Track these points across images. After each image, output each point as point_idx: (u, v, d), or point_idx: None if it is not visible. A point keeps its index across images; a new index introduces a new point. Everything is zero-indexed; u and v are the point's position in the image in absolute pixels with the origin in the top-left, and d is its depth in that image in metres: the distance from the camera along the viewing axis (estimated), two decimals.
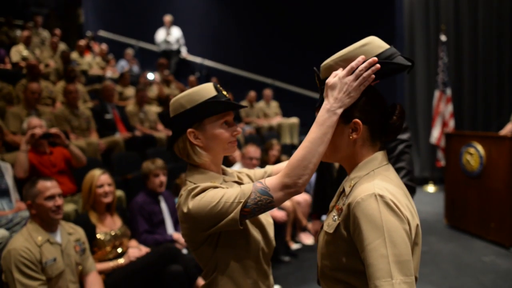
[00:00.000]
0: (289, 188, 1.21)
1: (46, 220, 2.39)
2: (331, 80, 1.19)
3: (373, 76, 1.15)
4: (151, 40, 10.10)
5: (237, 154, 4.57)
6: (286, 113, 8.24)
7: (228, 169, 1.56)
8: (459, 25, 7.26)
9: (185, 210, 1.29)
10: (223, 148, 1.42)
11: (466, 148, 4.86)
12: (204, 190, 1.29)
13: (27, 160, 3.35)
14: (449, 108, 6.63)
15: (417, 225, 1.14)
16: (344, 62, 1.19)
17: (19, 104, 4.81)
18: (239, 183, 1.49)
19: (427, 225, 5.19)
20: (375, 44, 1.19)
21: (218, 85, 1.43)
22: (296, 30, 8.83)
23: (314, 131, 1.19)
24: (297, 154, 1.20)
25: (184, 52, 9.94)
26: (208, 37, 10.15)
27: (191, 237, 1.36)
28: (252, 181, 1.59)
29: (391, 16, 7.90)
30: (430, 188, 7.11)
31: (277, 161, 4.82)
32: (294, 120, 7.74)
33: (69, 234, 2.52)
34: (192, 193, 1.29)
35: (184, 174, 1.47)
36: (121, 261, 2.87)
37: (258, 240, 1.41)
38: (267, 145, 4.84)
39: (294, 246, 4.56)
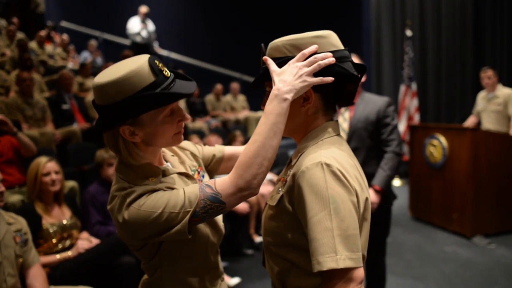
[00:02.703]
0: (243, 191, 1.05)
1: None
2: (277, 68, 1.07)
3: (331, 78, 1.04)
4: (116, 32, 9.80)
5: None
6: (253, 107, 8.15)
7: (168, 152, 1.34)
8: (424, 20, 7.35)
9: (120, 219, 1.08)
10: (166, 142, 1.17)
11: (429, 140, 4.88)
12: (141, 195, 1.08)
13: None
14: (414, 102, 6.70)
15: (366, 198, 1.05)
16: (292, 47, 1.09)
17: None
18: (184, 174, 1.27)
19: (392, 217, 5.16)
20: (330, 40, 1.09)
21: (157, 61, 1.11)
22: (264, 23, 8.74)
23: (263, 122, 1.05)
24: (248, 150, 1.05)
25: (156, 47, 9.54)
26: (175, 30, 9.94)
27: (130, 242, 1.19)
28: (198, 162, 1.40)
29: (358, 11, 7.94)
30: (396, 182, 7.15)
31: None
32: (262, 114, 7.63)
33: (9, 224, 2.32)
34: (128, 200, 1.07)
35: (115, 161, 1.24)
36: (68, 253, 2.69)
37: (206, 234, 1.24)
38: (230, 136, 4.72)
39: (258, 239, 4.46)
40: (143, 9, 8.79)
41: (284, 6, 8.49)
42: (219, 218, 1.34)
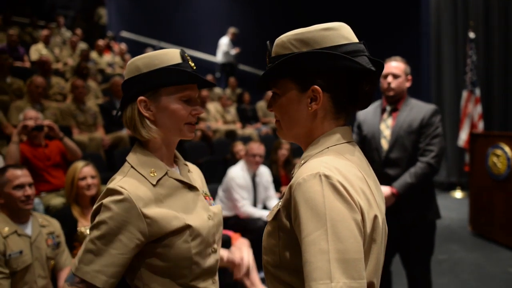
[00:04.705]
0: None
1: (15, 211, 2.24)
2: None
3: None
4: (172, 41, 10.05)
5: (242, 152, 4.36)
6: None
7: (183, 160, 1.32)
8: (489, 21, 6.82)
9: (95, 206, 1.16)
10: (177, 128, 1.19)
11: (492, 149, 4.48)
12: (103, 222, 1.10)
13: (18, 152, 3.23)
14: (478, 109, 6.22)
15: (375, 216, 0.89)
16: (298, 42, 0.96)
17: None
18: (187, 184, 1.23)
19: (450, 232, 4.80)
20: (340, 32, 0.95)
21: (186, 54, 1.22)
22: None
23: None
24: None
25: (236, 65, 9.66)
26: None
27: None
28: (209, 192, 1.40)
29: (417, 13, 7.56)
30: (458, 194, 6.69)
31: (286, 160, 4.57)
32: None
33: (42, 226, 2.35)
34: (109, 199, 1.12)
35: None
36: None
37: (186, 252, 1.16)
38: (276, 144, 4.59)
39: None
40: (232, 30, 9.03)
41: (340, 11, 8.26)
42: (214, 238, 1.25)
